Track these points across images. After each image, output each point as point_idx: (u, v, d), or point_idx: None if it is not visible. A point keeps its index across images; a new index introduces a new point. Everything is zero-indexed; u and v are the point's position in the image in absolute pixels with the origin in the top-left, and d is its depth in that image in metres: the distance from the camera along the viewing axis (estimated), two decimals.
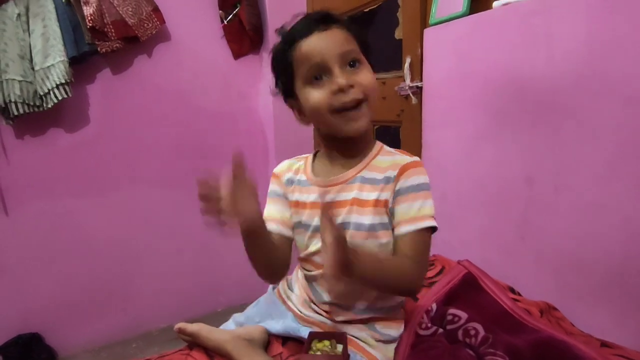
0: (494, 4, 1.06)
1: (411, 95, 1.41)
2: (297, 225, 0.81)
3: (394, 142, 1.59)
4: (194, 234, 1.98)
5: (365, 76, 0.71)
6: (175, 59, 1.84)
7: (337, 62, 0.69)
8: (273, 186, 0.86)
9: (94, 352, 1.78)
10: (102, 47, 1.61)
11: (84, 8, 1.56)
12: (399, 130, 1.55)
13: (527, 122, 1.00)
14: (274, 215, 0.84)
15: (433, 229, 0.73)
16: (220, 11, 1.90)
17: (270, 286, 0.97)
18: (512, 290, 1.00)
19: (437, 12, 1.23)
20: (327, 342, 0.71)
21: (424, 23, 1.33)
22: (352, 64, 0.71)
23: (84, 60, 1.64)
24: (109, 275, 1.81)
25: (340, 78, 0.68)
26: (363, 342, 0.76)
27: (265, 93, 2.01)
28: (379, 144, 0.81)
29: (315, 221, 0.77)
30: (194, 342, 0.86)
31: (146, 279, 1.90)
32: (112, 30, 1.61)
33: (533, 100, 0.98)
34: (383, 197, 0.74)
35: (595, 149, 0.87)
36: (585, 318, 0.93)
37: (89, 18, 1.55)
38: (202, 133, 1.95)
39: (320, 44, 0.70)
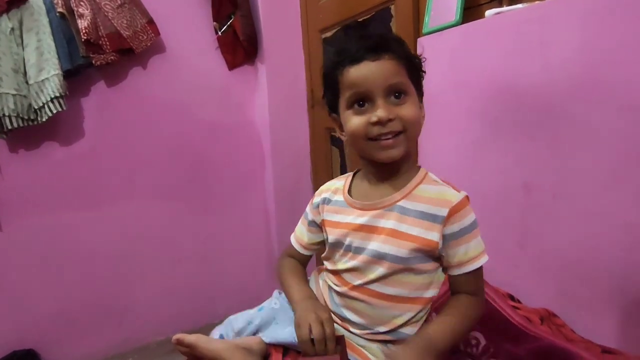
0: (487, 13, 1.07)
1: None
2: (331, 244, 0.83)
3: None
4: (190, 246, 1.97)
5: (408, 109, 0.70)
6: (170, 70, 1.84)
7: (381, 94, 0.70)
8: (309, 206, 0.90)
9: None
10: (96, 59, 1.60)
11: (79, 21, 1.56)
12: None
13: (524, 130, 1.01)
14: (299, 237, 0.92)
15: None
16: (215, 22, 1.91)
17: (276, 291, 0.96)
18: (512, 298, 1.00)
19: (430, 21, 1.24)
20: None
21: (417, 32, 1.34)
22: (398, 95, 0.71)
23: (78, 73, 1.63)
24: (105, 288, 1.79)
25: (381, 110, 0.69)
26: (368, 351, 0.76)
27: (261, 104, 2.01)
28: (422, 170, 0.79)
29: (348, 241, 0.78)
30: (192, 354, 0.85)
31: (143, 291, 1.88)
32: (107, 42, 1.61)
33: (529, 108, 0.99)
34: (430, 237, 0.72)
35: (593, 156, 0.88)
36: (587, 325, 0.92)
37: (84, 31, 1.55)
38: (198, 145, 1.95)
39: (368, 75, 0.70)
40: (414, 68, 0.74)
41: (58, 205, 1.68)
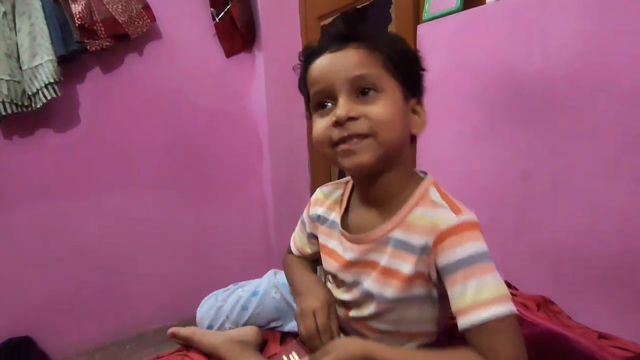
0: (488, 0, 1.06)
1: None
2: (326, 270, 0.76)
3: None
4: (187, 234, 1.96)
5: (377, 108, 0.58)
6: (167, 57, 1.82)
7: (343, 89, 0.59)
8: (305, 214, 0.82)
9: (87, 354, 1.75)
10: (91, 45, 1.58)
11: (72, 6, 1.53)
12: None
13: (523, 118, 1.00)
14: (301, 248, 0.86)
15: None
16: (212, 9, 1.88)
17: (272, 271, 0.95)
18: (509, 285, 1.01)
19: (430, 8, 1.23)
20: None
21: (417, 19, 1.33)
22: (365, 91, 0.60)
23: (73, 59, 1.61)
24: (101, 276, 1.79)
25: (340, 109, 0.58)
26: None
27: (259, 92, 2.00)
28: (423, 185, 0.64)
29: (341, 275, 0.70)
30: (187, 345, 0.85)
31: (140, 279, 1.87)
32: (102, 28, 1.58)
33: (529, 95, 0.98)
34: (420, 270, 0.60)
35: (592, 143, 0.87)
36: (583, 312, 0.93)
37: (78, 16, 1.52)
38: (195, 133, 1.93)
39: (328, 67, 0.61)
40: (399, 61, 0.62)
41: (53, 192, 1.67)
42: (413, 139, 0.68)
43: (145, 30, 1.68)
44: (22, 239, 1.63)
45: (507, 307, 0.53)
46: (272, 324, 0.88)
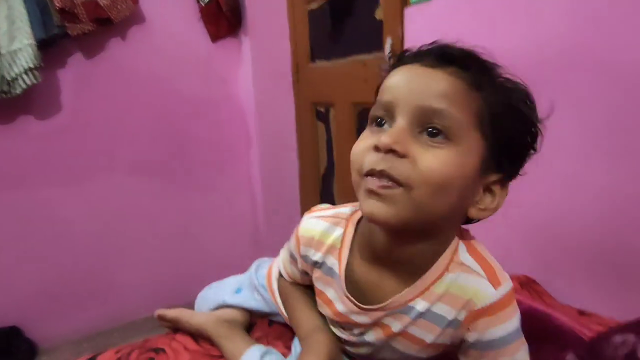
0: None
1: None
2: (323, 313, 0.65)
3: None
4: (175, 221, 1.95)
5: (432, 158, 0.44)
6: (151, 42, 1.78)
7: (408, 115, 0.46)
8: (294, 246, 0.66)
9: (75, 343, 1.74)
10: (72, 29, 1.54)
11: None
12: None
13: None
14: (288, 271, 0.72)
15: None
16: None
17: (254, 264, 0.94)
18: None
19: None
20: None
21: (405, 2, 1.32)
22: (433, 132, 0.45)
23: (53, 44, 1.56)
24: (88, 265, 1.77)
25: (387, 134, 0.45)
26: None
27: (246, 77, 1.97)
28: (454, 244, 0.53)
29: (345, 325, 0.62)
30: (175, 328, 0.85)
31: (127, 268, 1.86)
32: (83, 11, 1.54)
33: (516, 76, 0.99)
34: (441, 342, 0.54)
35: (574, 122, 0.88)
36: (565, 291, 0.95)
37: None
38: (181, 119, 1.91)
39: (405, 80, 0.48)
40: (502, 116, 0.47)
41: (36, 181, 1.63)
42: (469, 219, 0.54)
43: (128, 14, 1.64)
44: (5, 228, 1.60)
45: None
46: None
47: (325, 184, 1.97)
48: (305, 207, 2.24)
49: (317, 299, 0.65)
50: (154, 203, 1.90)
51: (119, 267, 1.85)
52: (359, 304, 0.56)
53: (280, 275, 0.76)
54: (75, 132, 1.68)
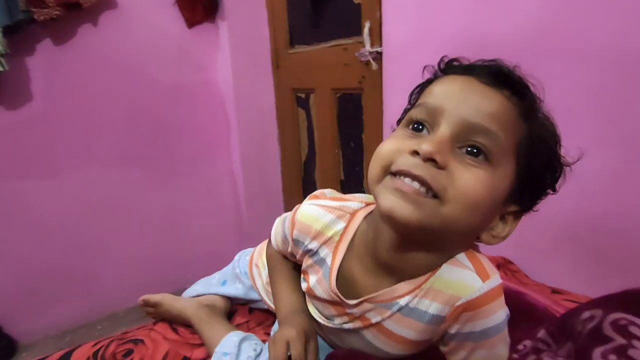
0: None
1: (371, 61, 1.39)
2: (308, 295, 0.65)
3: (356, 112, 1.58)
4: (155, 212, 1.92)
5: (471, 176, 0.43)
6: (123, 27, 1.72)
7: (453, 126, 0.44)
8: (287, 229, 0.63)
9: (56, 337, 1.72)
10: (39, 14, 1.47)
11: None
12: (361, 97, 1.54)
13: None
14: (280, 246, 0.69)
15: None
16: None
17: (237, 257, 0.95)
18: None
19: None
20: None
21: None
22: (474, 151, 0.44)
23: (19, 30, 1.49)
24: (67, 258, 1.74)
25: (430, 142, 0.43)
26: None
27: (224, 64, 1.94)
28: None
29: (319, 308, 0.62)
30: (157, 313, 0.85)
31: (108, 259, 1.83)
32: None
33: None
34: (423, 339, 0.54)
35: (548, 104, 0.90)
36: (539, 270, 0.98)
37: None
38: (158, 108, 1.86)
39: (460, 91, 0.46)
40: (536, 151, 0.47)
41: (8, 173, 1.58)
42: (473, 241, 0.53)
43: None
44: None
45: None
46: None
47: (307, 171, 1.96)
48: (288, 194, 2.24)
49: (302, 274, 0.64)
50: (134, 193, 1.86)
51: (99, 259, 1.82)
52: (344, 299, 0.56)
53: (270, 245, 0.74)
54: (46, 121, 1.62)
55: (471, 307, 0.49)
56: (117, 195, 1.82)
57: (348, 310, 0.57)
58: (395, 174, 0.45)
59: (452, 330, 0.52)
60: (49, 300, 1.72)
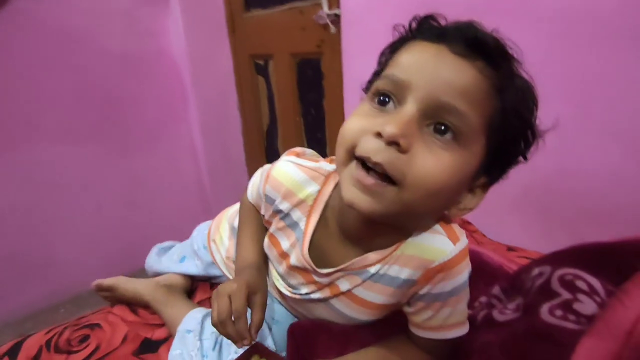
0: None
1: (330, 24, 1.34)
2: (265, 246, 0.64)
3: (316, 77, 1.54)
4: (114, 189, 1.84)
5: (434, 161, 0.41)
6: None
7: (421, 103, 0.41)
8: (260, 182, 0.61)
9: (16, 324, 1.66)
10: None
11: None
12: (320, 62, 1.49)
13: None
14: (254, 197, 0.66)
15: None
16: None
17: (195, 231, 0.92)
18: None
19: None
20: None
21: None
22: (442, 129, 0.42)
23: None
24: (21, 242, 1.65)
25: (395, 124, 0.40)
26: None
27: (176, 31, 1.82)
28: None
29: (286, 277, 0.61)
30: (113, 297, 0.83)
31: (66, 241, 1.76)
32: None
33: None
34: (392, 302, 0.55)
35: None
36: (496, 229, 1.01)
37: None
38: (108, 79, 1.74)
39: (426, 65, 0.42)
40: (510, 123, 0.44)
41: None
42: (440, 216, 0.52)
43: None
44: None
45: (465, 328, 0.55)
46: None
47: (269, 140, 1.93)
48: (251, 164, 2.20)
49: (267, 240, 0.63)
50: (88, 170, 1.77)
51: (56, 241, 1.74)
52: (315, 268, 0.55)
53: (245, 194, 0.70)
54: None
55: (444, 268, 0.50)
56: (71, 174, 1.72)
57: (317, 279, 0.57)
58: (358, 158, 0.44)
59: (423, 292, 0.53)
60: (4, 288, 1.64)
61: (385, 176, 0.42)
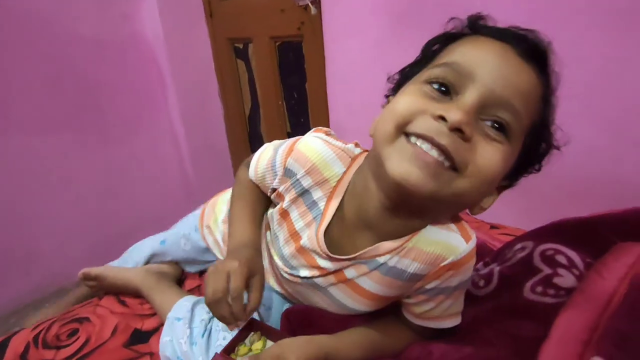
0: None
1: (310, 5, 1.32)
2: (274, 223, 0.61)
3: (297, 60, 1.52)
4: (92, 178, 1.80)
5: (493, 152, 0.42)
6: None
7: (482, 95, 0.42)
8: (280, 154, 0.58)
9: (2, 320, 1.63)
10: None
11: None
12: (301, 45, 1.47)
13: (429, 24, 0.99)
14: (258, 171, 0.62)
15: None
16: None
17: (183, 220, 0.91)
18: None
19: None
20: (259, 345, 0.54)
21: None
22: (497, 126, 0.42)
23: None
24: (0, 237, 1.61)
25: (458, 110, 0.40)
26: None
27: (151, 14, 1.76)
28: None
29: (289, 259, 0.59)
30: (101, 287, 0.82)
31: (46, 234, 1.72)
32: None
33: (433, 2, 0.97)
34: (397, 294, 0.56)
35: None
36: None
37: None
38: (81, 65, 1.68)
39: (492, 59, 0.43)
40: (540, 131, 0.46)
41: None
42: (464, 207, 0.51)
43: None
44: None
45: (459, 319, 0.57)
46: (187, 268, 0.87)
47: (252, 125, 1.90)
48: (235, 150, 2.18)
49: (278, 216, 0.60)
50: (67, 162, 1.72)
51: (37, 235, 1.70)
52: (329, 253, 0.54)
53: (244, 167, 0.67)
54: None
55: (456, 266, 0.51)
56: (48, 165, 1.67)
57: (322, 265, 0.55)
58: (411, 135, 0.42)
59: (430, 286, 0.53)
60: None
61: (446, 159, 0.41)
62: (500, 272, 0.61)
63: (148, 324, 0.71)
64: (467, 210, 0.51)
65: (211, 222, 0.81)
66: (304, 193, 0.55)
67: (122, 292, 0.80)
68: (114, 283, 0.80)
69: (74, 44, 1.65)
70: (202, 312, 0.70)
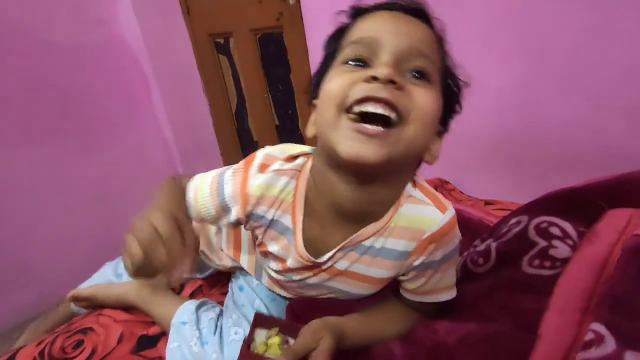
0: None
1: None
2: (258, 255, 0.64)
3: (279, 52, 1.50)
4: (82, 188, 1.77)
5: (425, 95, 0.46)
6: None
7: (395, 54, 0.45)
8: (236, 205, 0.55)
9: (4, 336, 1.62)
10: None
11: None
12: (282, 36, 1.45)
13: None
14: (199, 204, 0.58)
15: None
16: None
17: None
18: None
19: None
20: (277, 339, 0.54)
21: None
22: (417, 75, 0.46)
23: None
24: None
25: (384, 67, 0.44)
26: None
27: (127, 16, 1.72)
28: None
29: (295, 277, 0.60)
30: (94, 306, 0.81)
31: (39, 246, 1.70)
32: None
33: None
34: (392, 275, 0.57)
35: (467, 23, 0.90)
36: (471, 184, 1.04)
37: None
38: (59, 73, 1.64)
39: (390, 23, 0.47)
40: (450, 74, 0.52)
41: None
42: (419, 165, 0.55)
43: None
44: None
45: (454, 292, 0.58)
46: None
47: (239, 121, 1.89)
48: (225, 148, 2.16)
49: (262, 255, 0.62)
50: (53, 172, 1.69)
51: (30, 247, 1.68)
52: (315, 260, 0.55)
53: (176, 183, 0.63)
54: None
55: (435, 238, 0.52)
56: (32, 178, 1.64)
57: (318, 271, 0.58)
58: (353, 106, 0.45)
59: (417, 262, 0.54)
60: None
61: (384, 123, 0.44)
62: (497, 248, 0.62)
63: (154, 329, 0.71)
64: (424, 160, 0.53)
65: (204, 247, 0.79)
66: (275, 224, 0.56)
67: (117, 308, 0.78)
68: (107, 302, 0.79)
69: (49, 52, 1.61)
70: (208, 312, 0.70)
